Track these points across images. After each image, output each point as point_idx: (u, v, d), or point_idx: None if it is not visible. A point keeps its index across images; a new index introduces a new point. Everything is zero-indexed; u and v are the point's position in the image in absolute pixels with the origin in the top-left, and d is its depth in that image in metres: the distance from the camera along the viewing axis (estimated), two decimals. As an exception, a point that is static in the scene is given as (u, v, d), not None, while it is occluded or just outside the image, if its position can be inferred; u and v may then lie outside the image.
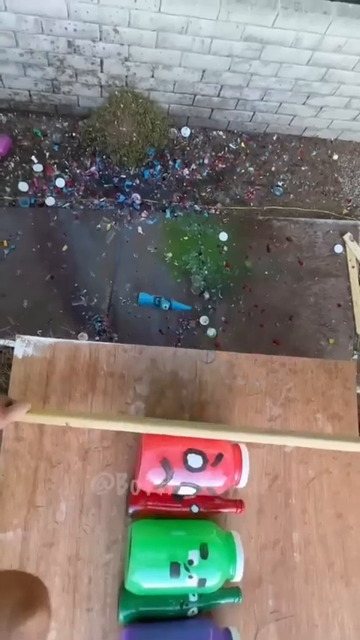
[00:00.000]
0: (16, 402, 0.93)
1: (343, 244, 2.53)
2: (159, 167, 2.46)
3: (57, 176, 2.37)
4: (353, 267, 2.52)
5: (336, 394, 1.22)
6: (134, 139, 2.30)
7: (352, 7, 1.95)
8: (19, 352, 1.11)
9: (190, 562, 0.95)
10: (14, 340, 1.12)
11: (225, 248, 2.44)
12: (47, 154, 2.40)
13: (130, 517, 1.04)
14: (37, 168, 2.36)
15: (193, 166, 2.51)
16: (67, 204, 2.36)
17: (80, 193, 2.38)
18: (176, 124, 2.52)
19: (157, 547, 0.97)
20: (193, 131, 2.55)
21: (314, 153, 2.67)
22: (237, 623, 1.04)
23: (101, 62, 2.13)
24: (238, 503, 1.07)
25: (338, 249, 2.52)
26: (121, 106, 2.26)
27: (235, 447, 1.06)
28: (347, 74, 2.23)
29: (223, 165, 2.54)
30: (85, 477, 1.07)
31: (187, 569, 0.94)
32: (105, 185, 2.41)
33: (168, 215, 2.41)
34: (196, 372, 1.18)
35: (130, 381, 1.14)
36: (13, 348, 1.14)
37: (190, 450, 1.00)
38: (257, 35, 2.00)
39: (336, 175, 2.65)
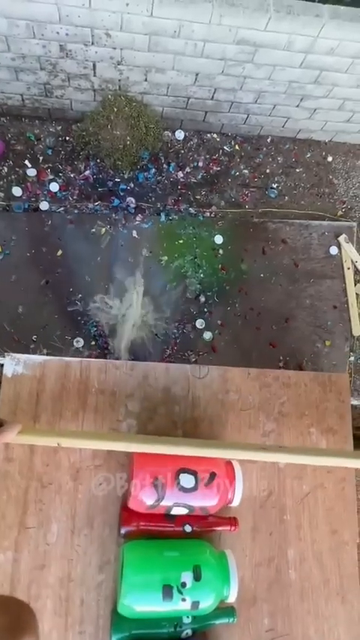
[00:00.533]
0: (6, 423, 0.92)
1: (339, 246, 2.52)
2: (153, 170, 2.44)
3: (51, 180, 2.34)
4: (349, 268, 2.50)
5: (330, 407, 1.21)
6: (128, 142, 2.27)
7: (345, 9, 1.93)
8: (8, 371, 1.10)
9: (183, 584, 0.94)
10: (3, 357, 1.11)
11: (220, 251, 2.42)
12: (41, 158, 2.37)
13: (123, 537, 1.04)
14: (31, 172, 2.34)
15: (188, 169, 2.49)
16: (62, 208, 2.34)
17: (74, 197, 2.36)
18: (170, 127, 2.50)
19: (150, 569, 0.96)
20: (187, 134, 2.53)
21: (308, 155, 2.65)
22: (231, 642, 1.03)
23: (94, 66, 2.11)
24: (232, 521, 1.06)
25: (333, 250, 2.50)
26: (115, 109, 2.23)
27: (228, 464, 1.05)
28: (340, 76, 2.20)
29: (218, 168, 2.53)
30: (76, 497, 1.06)
31: (180, 592, 0.93)
32: (99, 189, 2.39)
33: (163, 218, 2.39)
34: (188, 388, 1.17)
35: (121, 398, 1.13)
36: (2, 365, 1.13)
37: (183, 470, 0.99)
38: (250, 38, 1.97)
39: (330, 177, 2.63)
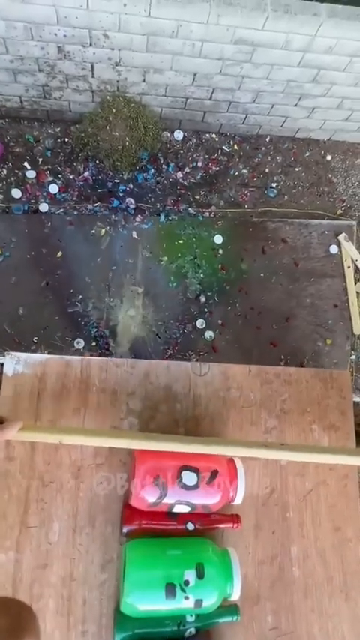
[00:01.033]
0: (7, 421, 0.92)
1: (339, 244, 2.52)
2: (152, 171, 2.44)
3: (50, 182, 2.35)
4: (349, 267, 2.50)
5: (332, 404, 1.20)
6: (127, 143, 2.28)
7: (342, 8, 1.93)
8: (8, 370, 1.10)
9: (186, 582, 0.93)
10: (4, 357, 1.11)
11: (220, 251, 2.42)
12: (40, 159, 2.38)
13: (125, 536, 1.03)
14: (30, 174, 2.34)
15: (187, 169, 2.49)
16: (61, 210, 2.34)
17: (74, 199, 2.36)
18: (169, 127, 2.50)
19: (152, 567, 0.95)
20: (185, 134, 2.53)
21: (308, 154, 2.65)
22: (235, 641, 1.02)
23: (92, 67, 2.11)
24: (235, 518, 1.06)
25: (333, 249, 2.50)
26: (113, 110, 2.24)
27: (231, 462, 1.04)
28: (338, 75, 2.21)
29: (217, 168, 2.53)
30: (78, 496, 1.06)
31: (183, 590, 0.93)
32: (99, 190, 2.39)
33: (162, 219, 2.39)
34: (189, 386, 1.16)
35: (122, 397, 1.13)
36: (2, 364, 1.12)
37: (185, 467, 0.99)
38: (248, 38, 1.98)
39: (330, 176, 2.63)
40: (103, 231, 2.35)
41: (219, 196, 2.50)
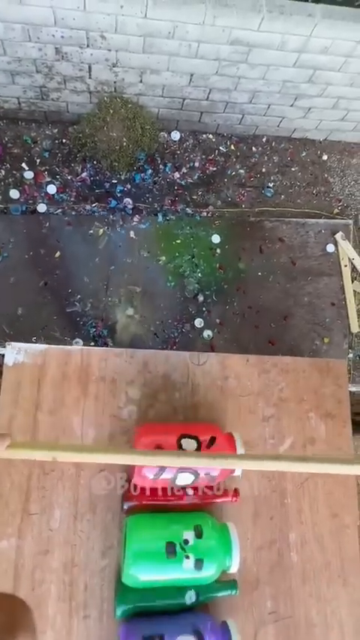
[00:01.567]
0: None
1: (335, 243, 2.54)
2: (150, 171, 2.47)
3: (48, 183, 2.37)
4: (346, 266, 2.52)
5: (328, 392, 1.22)
6: (124, 143, 2.30)
7: (337, 9, 1.96)
8: (9, 360, 1.11)
9: (186, 542, 0.95)
10: (4, 347, 1.12)
11: (218, 250, 2.44)
12: (38, 160, 2.40)
13: (125, 513, 1.04)
14: (28, 175, 2.36)
15: (184, 170, 2.51)
16: (59, 210, 2.36)
17: (72, 199, 2.38)
18: (166, 128, 2.53)
19: (152, 531, 0.97)
20: (182, 135, 2.56)
21: (304, 154, 2.68)
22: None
23: (89, 68, 2.14)
24: (234, 492, 1.07)
25: (330, 248, 2.53)
26: (111, 111, 2.26)
27: (229, 435, 1.06)
28: (334, 75, 2.24)
29: (214, 168, 2.55)
30: (79, 483, 1.07)
31: (184, 549, 0.94)
32: (96, 190, 2.41)
33: (160, 219, 2.41)
34: (188, 375, 1.18)
35: (122, 386, 1.14)
36: (3, 355, 1.14)
37: (184, 435, 1.01)
38: (243, 39, 2.01)
39: (326, 175, 2.66)
40: (101, 231, 2.36)
41: (216, 196, 2.52)
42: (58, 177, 2.39)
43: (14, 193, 2.33)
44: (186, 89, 2.28)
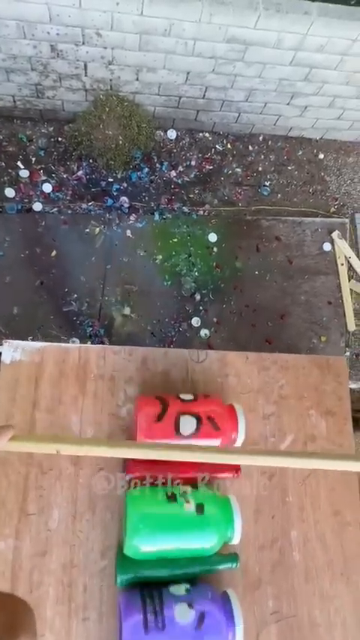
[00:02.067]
0: None
1: (332, 242, 2.54)
2: (146, 170, 2.46)
3: (44, 181, 2.35)
4: (342, 264, 2.52)
5: (328, 390, 1.21)
6: (120, 142, 2.29)
7: (333, 7, 1.96)
8: (6, 357, 1.09)
9: (185, 492, 0.98)
10: (1, 345, 1.11)
11: (214, 249, 2.43)
12: (33, 159, 2.38)
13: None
14: (24, 173, 2.35)
15: (181, 168, 2.50)
16: (55, 209, 2.34)
17: (68, 198, 2.37)
18: (162, 126, 2.52)
19: (153, 499, 0.98)
20: (179, 133, 2.55)
21: (300, 152, 2.68)
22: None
23: (85, 66, 2.13)
24: (235, 467, 1.08)
25: (327, 247, 2.52)
26: (107, 109, 2.25)
27: (230, 407, 1.06)
28: (330, 73, 2.24)
29: (210, 167, 2.54)
30: (77, 482, 1.05)
31: (184, 497, 0.97)
32: (92, 189, 2.40)
33: (157, 217, 2.40)
34: (187, 372, 1.16)
35: (120, 383, 1.12)
36: (0, 353, 1.12)
37: (183, 413, 1.01)
38: (240, 36, 2.00)
39: (322, 174, 2.66)
40: (98, 230, 2.35)
41: (213, 195, 2.51)
42: (53, 175, 2.37)
43: (10, 192, 2.31)
44: (182, 87, 2.27)
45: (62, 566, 1.00)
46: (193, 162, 2.52)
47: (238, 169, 2.57)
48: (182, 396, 1.07)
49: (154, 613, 0.90)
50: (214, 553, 0.99)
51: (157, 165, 2.48)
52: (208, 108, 2.42)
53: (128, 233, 2.37)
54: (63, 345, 1.13)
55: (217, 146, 2.59)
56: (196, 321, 2.32)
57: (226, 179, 2.55)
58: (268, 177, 2.59)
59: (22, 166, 2.35)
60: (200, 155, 2.55)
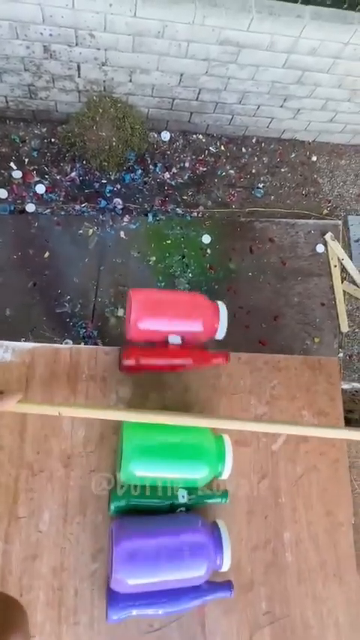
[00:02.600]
0: (6, 391, 0.91)
1: (325, 244, 2.55)
2: (140, 171, 2.45)
3: (37, 182, 2.34)
4: (335, 266, 2.53)
5: (320, 390, 1.21)
6: (114, 143, 2.28)
7: (325, 10, 1.97)
8: (-3, 358, 1.09)
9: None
10: (-7, 346, 1.10)
11: (208, 250, 2.43)
12: (26, 160, 2.37)
13: (124, 370, 1.08)
14: (17, 174, 2.34)
15: (174, 170, 2.50)
16: (48, 210, 2.33)
17: (61, 199, 2.36)
18: (156, 128, 2.52)
19: (149, 429, 1.00)
20: (172, 135, 2.55)
21: (293, 155, 2.68)
22: (230, 628, 1.01)
23: (78, 67, 2.12)
24: (225, 353, 1.13)
25: (320, 248, 2.53)
26: (100, 110, 2.24)
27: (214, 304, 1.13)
28: (322, 76, 2.24)
29: (204, 169, 2.54)
30: (68, 484, 1.04)
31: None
32: (86, 190, 2.39)
33: (150, 219, 2.40)
34: (179, 373, 1.16)
35: (112, 384, 1.12)
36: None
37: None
38: (233, 39, 2.00)
39: (315, 176, 2.66)
40: (91, 231, 2.34)
41: (206, 196, 2.51)
42: (46, 176, 2.36)
43: (2, 193, 2.30)
44: (176, 89, 2.27)
45: (52, 569, 0.99)
46: (186, 164, 2.52)
47: (232, 171, 2.57)
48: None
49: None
50: (204, 485, 1.03)
51: (151, 166, 2.48)
52: (201, 110, 2.42)
53: (122, 234, 2.36)
54: (54, 345, 1.12)
55: (210, 148, 2.59)
56: (189, 323, 2.31)
57: (220, 181, 2.55)
58: (262, 179, 2.60)
59: (14, 167, 2.34)
60: (194, 157, 2.55)
